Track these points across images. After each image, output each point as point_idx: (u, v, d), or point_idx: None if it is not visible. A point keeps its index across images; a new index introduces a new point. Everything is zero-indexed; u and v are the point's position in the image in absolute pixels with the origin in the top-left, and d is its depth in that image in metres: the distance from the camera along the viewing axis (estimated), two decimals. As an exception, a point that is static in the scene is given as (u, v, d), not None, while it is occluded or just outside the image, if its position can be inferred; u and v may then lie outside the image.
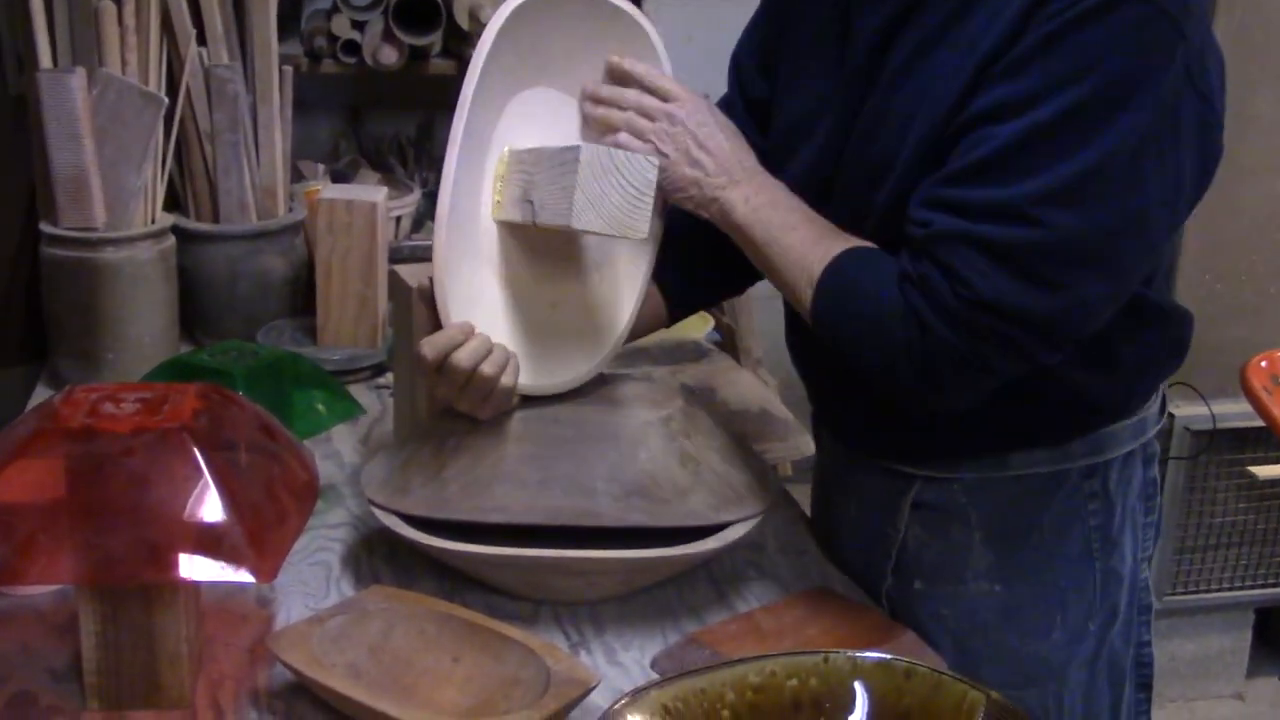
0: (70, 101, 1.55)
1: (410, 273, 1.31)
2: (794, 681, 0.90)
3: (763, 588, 1.22)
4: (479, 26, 2.10)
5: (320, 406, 1.36)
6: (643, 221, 1.12)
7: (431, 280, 1.13)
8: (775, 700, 0.90)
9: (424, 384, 1.22)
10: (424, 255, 1.21)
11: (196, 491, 0.94)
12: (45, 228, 1.62)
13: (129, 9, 1.63)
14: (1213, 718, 2.68)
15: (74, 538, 0.93)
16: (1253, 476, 2.53)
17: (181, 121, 1.72)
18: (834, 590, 1.21)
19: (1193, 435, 2.50)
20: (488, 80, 1.13)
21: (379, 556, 1.24)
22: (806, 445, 1.51)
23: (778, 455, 1.53)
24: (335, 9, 2.20)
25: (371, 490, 1.18)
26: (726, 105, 1.32)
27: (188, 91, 1.71)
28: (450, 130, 1.12)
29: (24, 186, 1.78)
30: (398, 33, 2.18)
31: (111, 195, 1.61)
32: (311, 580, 1.20)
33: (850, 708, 0.90)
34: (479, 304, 1.16)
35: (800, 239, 1.12)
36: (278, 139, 1.79)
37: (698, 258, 1.31)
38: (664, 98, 1.18)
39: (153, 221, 1.66)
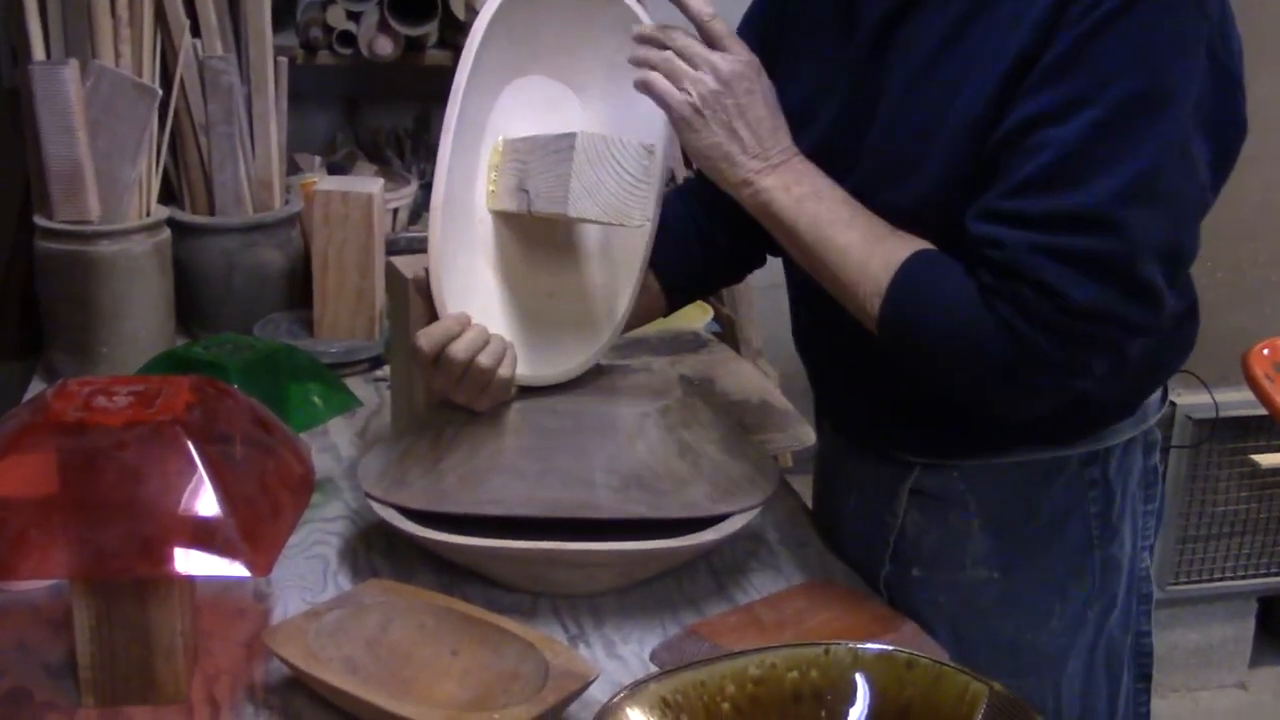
0: (64, 94, 1.55)
1: (407, 264, 1.31)
2: (795, 674, 0.90)
3: (763, 579, 1.21)
4: (474, 16, 2.09)
5: (316, 399, 1.35)
6: (639, 209, 1.12)
7: (427, 271, 1.12)
8: (776, 693, 0.89)
9: (421, 376, 1.22)
10: (421, 247, 1.20)
11: (190, 485, 0.94)
12: (39, 221, 1.61)
13: (122, 1, 1.62)
14: (1216, 707, 2.67)
15: (67, 532, 0.92)
16: (1255, 465, 2.53)
17: (176, 113, 1.71)
18: (835, 581, 1.21)
19: (1194, 424, 2.49)
20: (481, 69, 1.12)
21: (376, 550, 1.23)
22: (807, 435, 1.51)
23: (778, 446, 1.52)
24: (330, 0, 2.19)
25: (369, 483, 1.17)
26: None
27: (182, 83, 1.71)
28: (444, 120, 1.11)
29: (18, 180, 1.77)
30: (393, 23, 2.17)
31: (106, 188, 1.60)
32: (308, 574, 1.19)
33: (851, 700, 0.89)
34: (475, 295, 1.15)
35: (858, 238, 1.06)
36: (273, 131, 1.78)
37: (695, 245, 1.30)
38: (714, 43, 1.09)
39: (147, 214, 1.65)
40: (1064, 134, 0.96)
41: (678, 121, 1.09)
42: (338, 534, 1.27)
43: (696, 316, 2.09)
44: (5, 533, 0.92)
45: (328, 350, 1.66)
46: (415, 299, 1.18)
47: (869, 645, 0.91)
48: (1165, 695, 2.64)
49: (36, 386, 1.62)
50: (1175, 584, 2.60)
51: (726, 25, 1.10)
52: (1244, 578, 2.65)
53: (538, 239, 1.20)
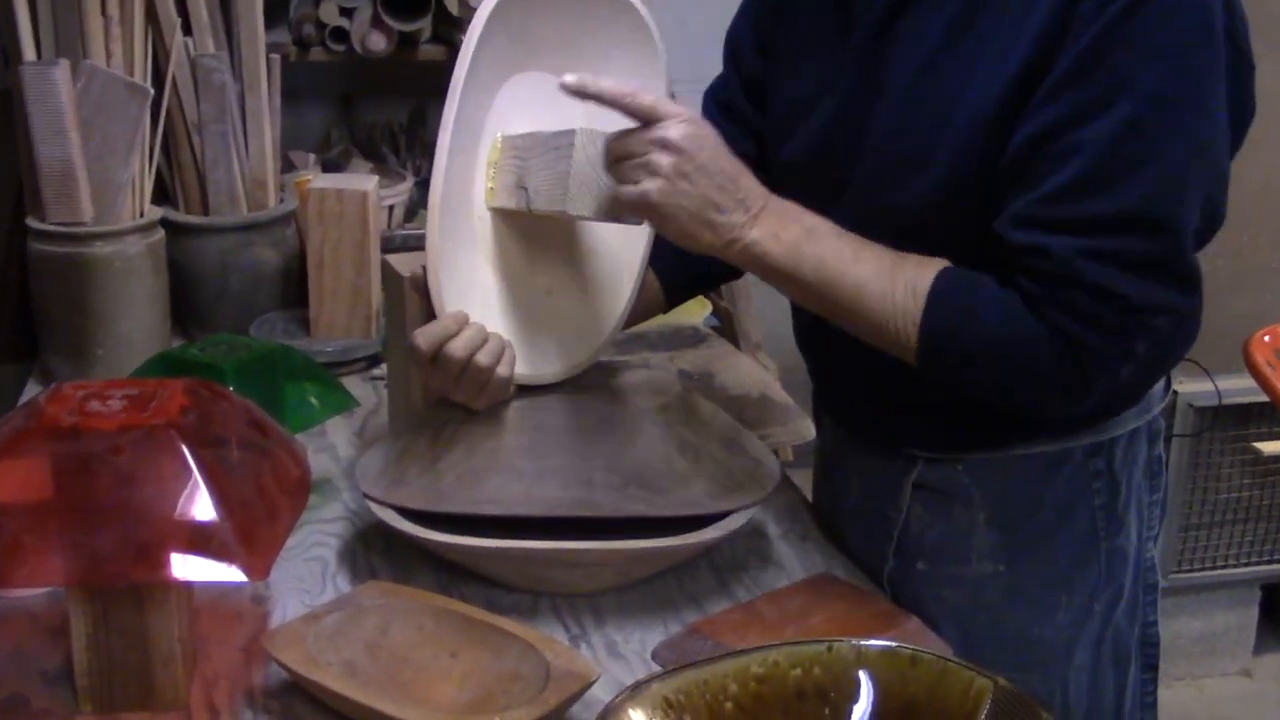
0: (54, 95, 1.54)
1: (403, 262, 1.30)
2: (798, 671, 0.89)
3: (765, 575, 1.21)
4: (469, 11, 2.08)
5: (313, 399, 1.34)
6: (637, 205, 1.10)
7: (425, 269, 1.11)
8: (779, 690, 0.89)
9: (419, 375, 1.21)
10: (417, 244, 1.20)
11: (186, 489, 0.93)
12: (32, 223, 1.60)
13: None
14: (1220, 695, 2.67)
15: (62, 538, 0.91)
16: (1258, 452, 2.53)
17: (168, 113, 1.70)
18: (837, 577, 1.20)
19: (1197, 412, 2.49)
20: (479, 65, 1.11)
21: (375, 551, 1.23)
22: (807, 429, 1.50)
23: (778, 440, 1.52)
24: (323, -4, 2.18)
25: (367, 484, 1.16)
26: (723, 85, 1.30)
27: (174, 82, 1.70)
28: (442, 117, 1.10)
29: (10, 182, 1.76)
30: (386, 19, 2.16)
31: (98, 189, 1.59)
32: (307, 576, 1.19)
33: (855, 697, 0.88)
34: (473, 293, 1.14)
35: (870, 272, 1.04)
36: (267, 129, 1.77)
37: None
38: (647, 118, 1.03)
39: (141, 215, 1.64)
40: (1093, 135, 0.96)
41: (653, 218, 1.05)
42: (336, 535, 1.26)
43: (695, 311, 2.08)
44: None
45: (324, 349, 1.65)
46: (412, 297, 1.17)
47: (872, 642, 0.91)
48: (1170, 684, 2.63)
49: (32, 390, 1.61)
50: (1178, 572, 2.60)
51: (650, 94, 1.04)
52: (1247, 565, 2.64)
53: (536, 237, 1.20)
